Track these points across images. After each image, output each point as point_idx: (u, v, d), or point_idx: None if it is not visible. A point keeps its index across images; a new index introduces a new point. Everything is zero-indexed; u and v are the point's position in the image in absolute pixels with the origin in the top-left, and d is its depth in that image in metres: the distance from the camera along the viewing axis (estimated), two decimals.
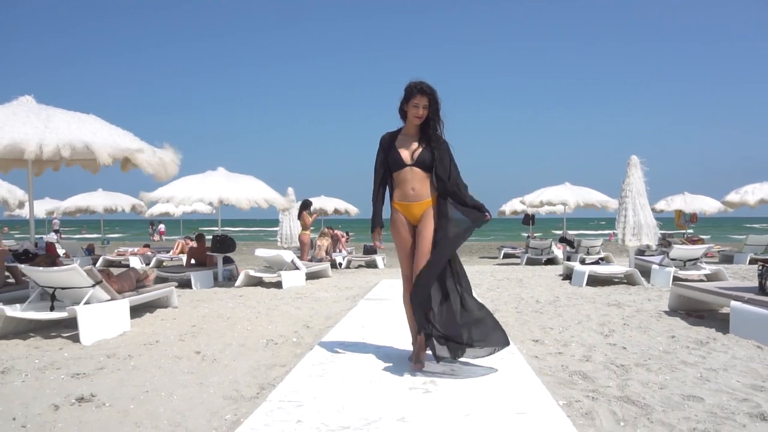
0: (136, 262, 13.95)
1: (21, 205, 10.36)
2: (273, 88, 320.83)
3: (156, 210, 17.53)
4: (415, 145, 3.62)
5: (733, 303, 5.11)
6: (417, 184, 3.58)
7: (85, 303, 4.97)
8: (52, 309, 5.05)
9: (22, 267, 5.16)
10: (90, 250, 15.29)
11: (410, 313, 3.67)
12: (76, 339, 4.74)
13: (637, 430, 2.72)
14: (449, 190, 3.59)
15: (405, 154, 3.59)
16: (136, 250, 16.07)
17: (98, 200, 15.05)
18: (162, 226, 24.01)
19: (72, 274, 4.99)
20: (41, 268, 5.05)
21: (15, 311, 4.93)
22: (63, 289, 5.11)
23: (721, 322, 5.43)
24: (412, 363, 3.66)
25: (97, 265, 12.87)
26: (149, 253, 15.33)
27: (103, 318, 4.97)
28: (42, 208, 16.05)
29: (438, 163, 3.57)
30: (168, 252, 15.45)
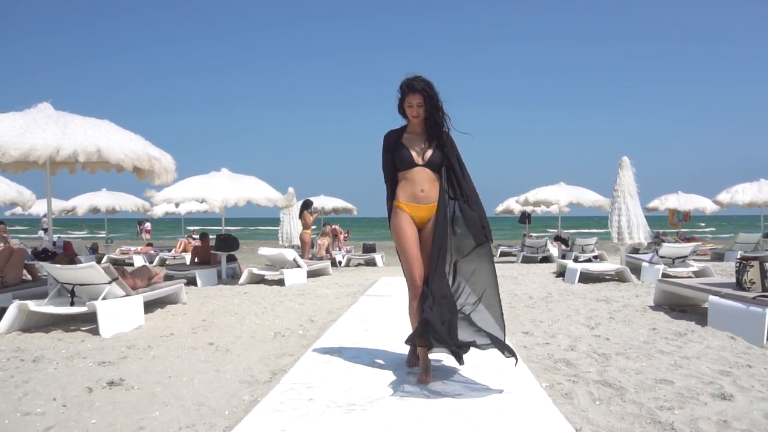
0: (139, 261, 14.25)
1: (26, 205, 10.72)
2: (273, 88, 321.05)
3: (158, 210, 17.81)
4: (424, 144, 3.42)
5: (711, 297, 5.45)
6: (427, 185, 3.38)
7: (103, 298, 5.28)
8: (72, 304, 5.37)
9: (44, 264, 5.48)
10: (94, 249, 15.59)
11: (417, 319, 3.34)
12: (95, 332, 5.06)
13: (611, 407, 3.06)
14: (465, 191, 3.40)
15: (415, 154, 3.39)
16: (139, 248, 16.37)
17: (103, 200, 15.38)
18: (148, 225, 24.34)
19: (91, 271, 5.31)
20: (62, 265, 5.37)
21: (39, 306, 5.25)
22: (81, 285, 5.43)
23: (701, 316, 5.77)
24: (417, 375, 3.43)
25: (101, 263, 13.16)
26: (152, 252, 15.64)
27: (119, 312, 5.30)
28: (42, 207, 16.29)
29: (448, 162, 3.41)
30: (170, 251, 15.76)
